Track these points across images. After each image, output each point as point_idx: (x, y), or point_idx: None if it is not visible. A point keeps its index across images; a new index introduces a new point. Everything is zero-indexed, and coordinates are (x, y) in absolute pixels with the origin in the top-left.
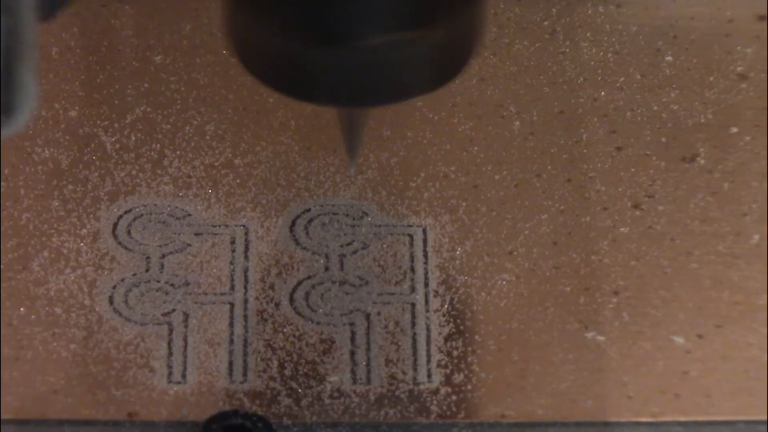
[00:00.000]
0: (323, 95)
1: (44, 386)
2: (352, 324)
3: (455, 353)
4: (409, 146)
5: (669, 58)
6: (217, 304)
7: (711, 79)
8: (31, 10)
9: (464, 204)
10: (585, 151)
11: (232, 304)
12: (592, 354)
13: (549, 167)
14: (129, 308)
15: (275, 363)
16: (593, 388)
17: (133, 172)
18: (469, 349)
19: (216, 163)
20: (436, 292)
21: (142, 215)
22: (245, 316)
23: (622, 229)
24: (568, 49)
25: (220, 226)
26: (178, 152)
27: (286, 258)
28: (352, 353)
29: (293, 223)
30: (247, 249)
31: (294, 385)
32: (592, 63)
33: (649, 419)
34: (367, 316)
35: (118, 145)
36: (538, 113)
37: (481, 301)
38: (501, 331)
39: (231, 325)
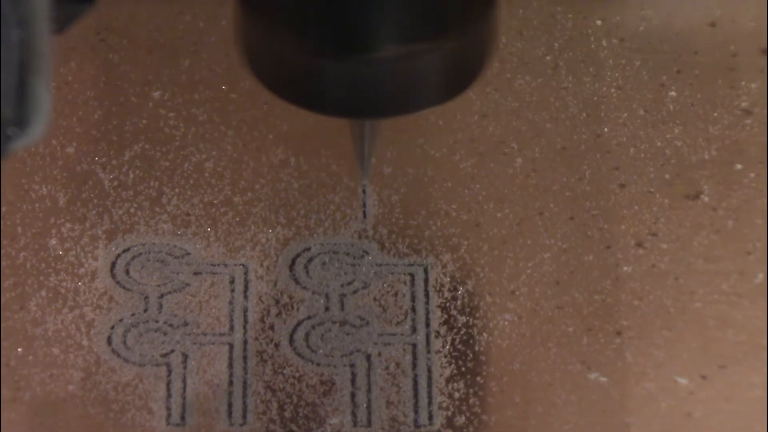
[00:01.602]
0: (336, 106)
1: (42, 428)
2: (352, 365)
3: (457, 395)
4: (409, 183)
5: (673, 93)
6: (216, 344)
7: (715, 114)
8: (45, 23)
9: (466, 242)
10: (588, 188)
11: (231, 345)
12: (595, 395)
13: (551, 205)
14: (127, 349)
15: (275, 405)
16: (596, 430)
17: (132, 210)
18: (471, 390)
19: (215, 201)
20: (438, 332)
21: (140, 254)
22: (245, 357)
23: (625, 268)
24: (570, 85)
25: (219, 265)
26: (176, 190)
27: (286, 298)
28: (353, 395)
29: (293, 262)
30: (246, 288)
31: (294, 427)
32: (595, 98)
33: None
34: (368, 357)
35: (116, 183)
36: (541, 150)
37: (482, 342)
38: (503, 373)
39: (230, 366)
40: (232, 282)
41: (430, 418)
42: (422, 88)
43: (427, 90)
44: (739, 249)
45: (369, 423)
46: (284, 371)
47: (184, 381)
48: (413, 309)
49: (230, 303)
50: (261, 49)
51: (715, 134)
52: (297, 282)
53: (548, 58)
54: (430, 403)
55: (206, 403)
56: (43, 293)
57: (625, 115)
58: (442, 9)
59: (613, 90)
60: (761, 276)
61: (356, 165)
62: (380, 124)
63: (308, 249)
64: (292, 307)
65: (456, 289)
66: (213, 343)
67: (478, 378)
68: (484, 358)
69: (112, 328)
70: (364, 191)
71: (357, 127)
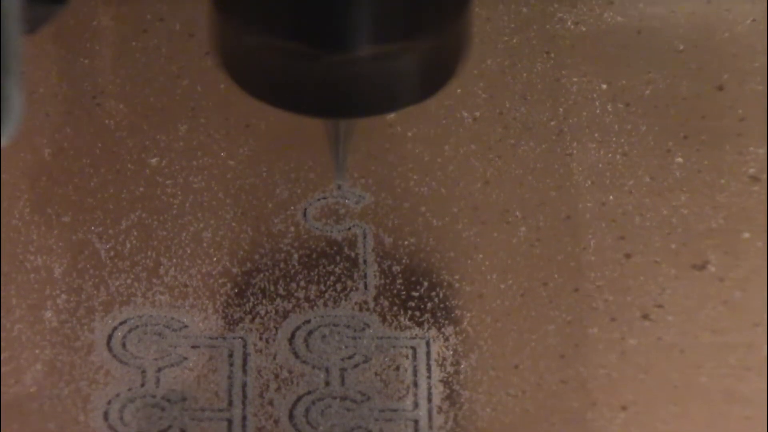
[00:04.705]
0: (311, 107)
1: None
2: None
3: None
4: (411, 254)
5: (679, 160)
6: (215, 420)
7: (722, 181)
8: (16, 22)
9: (469, 315)
10: (593, 258)
11: (230, 421)
12: None
13: (556, 275)
14: (124, 425)
15: None
16: None
17: (128, 281)
18: None
19: (213, 272)
20: (440, 408)
21: (137, 327)
22: None
23: (630, 341)
24: (575, 151)
25: (217, 338)
26: (174, 260)
27: (286, 372)
28: None
29: (293, 335)
30: (245, 363)
31: None
32: (600, 165)
33: None
34: None
35: (112, 253)
36: (545, 218)
37: (486, 418)
38: None
39: None
40: (230, 356)
41: None
42: (397, 87)
43: (403, 90)
44: (746, 320)
45: None
46: None
47: None
48: (415, 384)
49: (229, 377)
50: (235, 49)
51: (722, 202)
52: (297, 356)
53: (553, 123)
54: None
55: None
56: (39, 367)
57: (631, 182)
58: (417, 9)
59: (618, 156)
60: None
61: (331, 166)
62: (355, 123)
63: (308, 321)
64: (292, 382)
65: (459, 363)
66: (211, 419)
67: None
68: None
69: (109, 403)
70: (365, 262)
71: (331, 126)
